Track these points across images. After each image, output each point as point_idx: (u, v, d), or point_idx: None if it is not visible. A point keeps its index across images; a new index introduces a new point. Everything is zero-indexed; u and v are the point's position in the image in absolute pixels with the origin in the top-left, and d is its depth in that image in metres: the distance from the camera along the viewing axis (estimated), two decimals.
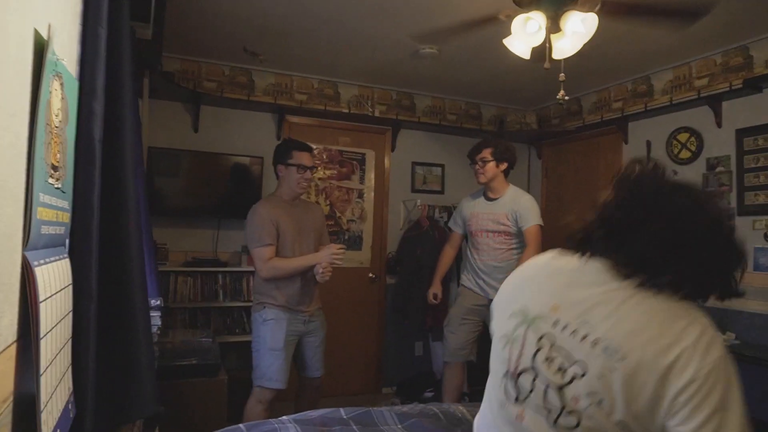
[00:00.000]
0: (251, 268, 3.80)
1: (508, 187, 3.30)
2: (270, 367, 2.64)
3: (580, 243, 1.12)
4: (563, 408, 1.02)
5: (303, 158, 2.76)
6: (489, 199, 3.32)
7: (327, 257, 2.63)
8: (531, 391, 1.07)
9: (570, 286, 1.09)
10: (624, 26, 3.04)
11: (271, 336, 2.65)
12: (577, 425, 1.01)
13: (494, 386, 1.18)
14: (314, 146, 4.26)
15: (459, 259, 3.89)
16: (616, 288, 1.04)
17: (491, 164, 3.22)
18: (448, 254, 3.62)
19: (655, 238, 1.02)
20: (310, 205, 3.11)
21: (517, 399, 1.10)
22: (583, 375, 1.00)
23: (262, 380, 2.65)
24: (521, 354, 1.09)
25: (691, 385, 0.94)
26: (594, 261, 1.09)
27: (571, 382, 1.02)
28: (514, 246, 3.24)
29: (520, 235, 3.21)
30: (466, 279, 3.43)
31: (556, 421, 1.03)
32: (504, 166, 3.25)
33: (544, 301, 1.10)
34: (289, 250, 2.72)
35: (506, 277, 3.47)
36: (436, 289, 3.56)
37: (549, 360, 1.05)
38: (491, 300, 3.47)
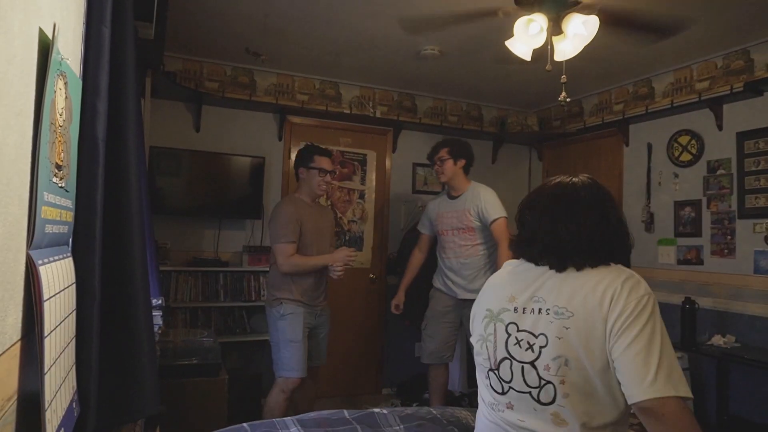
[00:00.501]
0: (252, 268, 3.83)
1: (470, 184, 3.34)
2: (291, 358, 2.78)
3: (517, 251, 1.37)
4: (540, 381, 1.15)
5: (324, 162, 2.97)
6: (451, 198, 3.36)
7: (342, 258, 2.86)
8: (512, 378, 1.21)
9: (520, 278, 1.29)
10: (620, 31, 3.05)
11: (290, 329, 2.80)
12: (555, 395, 1.14)
13: (483, 388, 1.31)
14: None
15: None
16: (553, 272, 1.25)
17: (449, 162, 3.27)
18: (416, 258, 3.60)
19: (560, 239, 1.24)
20: (325, 209, 3.32)
21: (502, 390, 1.23)
22: (546, 344, 1.15)
23: (284, 371, 2.79)
24: (496, 347, 1.25)
25: (623, 314, 1.10)
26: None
27: (539, 355, 1.16)
28: (480, 242, 3.26)
29: (485, 230, 3.23)
30: (437, 280, 3.44)
31: (538, 399, 1.16)
32: (462, 163, 3.29)
33: (503, 296, 1.29)
34: (309, 249, 2.90)
35: (472, 273, 3.39)
36: (398, 299, 3.50)
37: (518, 343, 1.20)
38: (460, 299, 3.42)
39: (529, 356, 1.17)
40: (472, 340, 1.36)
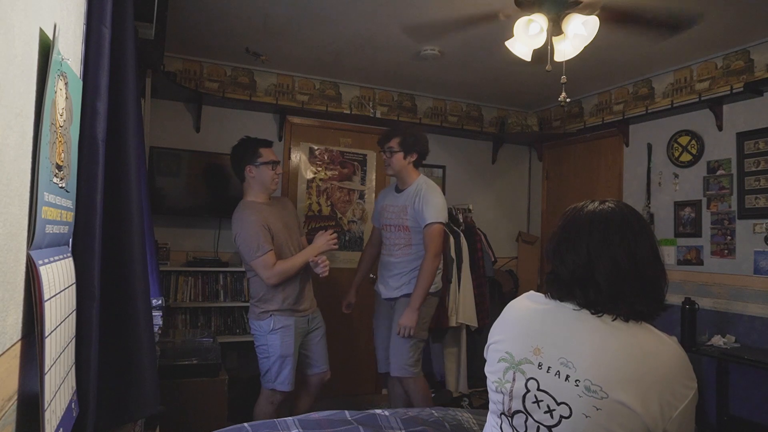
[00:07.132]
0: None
1: (417, 178, 2.98)
2: (282, 372, 2.68)
3: (553, 288, 1.18)
4: None
5: (271, 154, 2.74)
6: (398, 191, 3.04)
7: (324, 244, 2.67)
8: None
9: (548, 327, 1.15)
10: (624, 29, 3.05)
11: (281, 343, 2.66)
12: None
13: (493, 423, 1.24)
14: (315, 147, 4.29)
15: None
16: (586, 324, 1.10)
17: (398, 155, 2.92)
18: (366, 254, 3.30)
19: (607, 276, 1.09)
20: (282, 200, 3.03)
21: None
22: (569, 416, 1.06)
23: (275, 384, 2.69)
24: (512, 397, 1.15)
25: (685, 408, 1.03)
26: (565, 302, 1.16)
27: (559, 423, 1.07)
28: (413, 243, 2.93)
29: (420, 233, 2.90)
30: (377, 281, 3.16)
31: None
32: (413, 157, 2.94)
33: (527, 345, 1.16)
34: (284, 250, 2.70)
35: (398, 274, 3.03)
36: (349, 298, 3.24)
37: (537, 402, 1.11)
38: (384, 299, 3.04)
39: (548, 420, 1.09)
40: (486, 370, 1.25)
